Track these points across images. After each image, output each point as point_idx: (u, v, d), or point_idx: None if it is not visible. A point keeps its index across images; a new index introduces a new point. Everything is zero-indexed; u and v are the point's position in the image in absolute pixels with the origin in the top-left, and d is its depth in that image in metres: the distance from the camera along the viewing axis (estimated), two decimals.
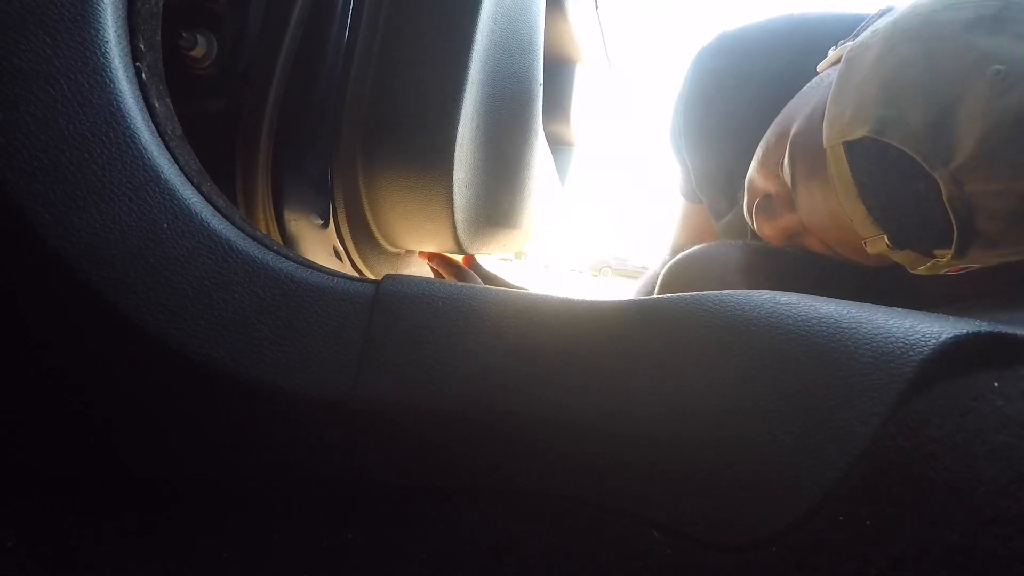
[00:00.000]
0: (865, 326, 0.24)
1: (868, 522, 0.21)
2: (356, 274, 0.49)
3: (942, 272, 0.42)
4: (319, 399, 0.26)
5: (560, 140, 0.98)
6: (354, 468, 0.28)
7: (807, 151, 0.46)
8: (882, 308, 0.26)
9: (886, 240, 0.42)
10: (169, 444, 0.28)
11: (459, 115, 0.47)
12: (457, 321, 0.27)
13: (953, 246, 0.39)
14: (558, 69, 0.93)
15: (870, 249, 0.43)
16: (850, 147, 0.41)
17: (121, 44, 0.26)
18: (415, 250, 0.65)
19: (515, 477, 0.26)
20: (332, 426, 0.27)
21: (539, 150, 0.69)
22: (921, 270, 0.42)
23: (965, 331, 0.23)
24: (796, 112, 0.50)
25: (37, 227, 0.24)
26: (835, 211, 0.44)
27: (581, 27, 0.89)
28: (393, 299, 0.28)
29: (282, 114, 0.45)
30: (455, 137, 0.47)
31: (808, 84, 0.51)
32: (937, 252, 0.40)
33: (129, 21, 0.27)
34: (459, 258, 0.72)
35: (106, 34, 0.25)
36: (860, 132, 0.40)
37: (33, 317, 0.26)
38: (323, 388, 0.26)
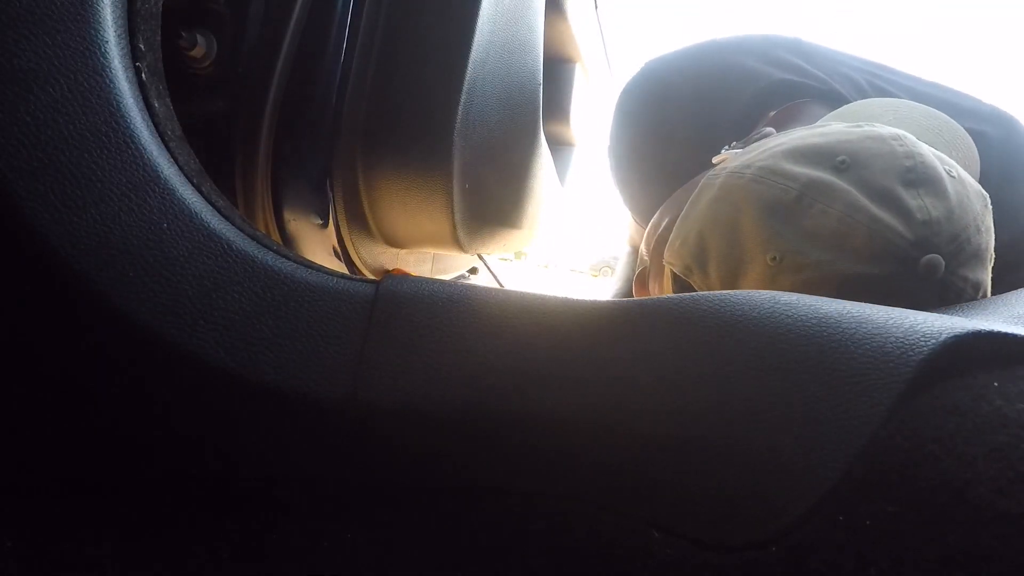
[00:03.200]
0: (865, 326, 0.24)
1: (868, 522, 0.21)
2: (356, 274, 0.49)
3: None
4: (319, 399, 0.26)
5: (559, 140, 0.98)
6: (354, 468, 0.28)
7: (658, 253, 0.53)
8: (882, 308, 0.26)
9: None
10: (169, 444, 0.28)
11: (458, 115, 0.47)
12: (457, 321, 0.27)
13: None
14: (558, 69, 0.93)
15: None
16: (673, 275, 0.48)
17: (121, 44, 0.26)
18: (415, 250, 0.65)
19: (515, 477, 0.26)
20: (332, 426, 0.27)
21: (539, 150, 0.69)
22: None
23: (965, 331, 0.23)
24: (670, 208, 0.56)
25: (37, 227, 0.24)
26: None
27: (580, 27, 0.89)
28: (393, 299, 0.28)
29: (282, 114, 0.45)
30: (455, 137, 0.47)
31: (695, 179, 0.56)
32: None
33: (129, 21, 0.27)
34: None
35: (106, 34, 0.25)
36: (676, 268, 0.47)
37: (33, 317, 0.26)
38: (323, 388, 0.26)
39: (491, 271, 0.79)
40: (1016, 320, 0.31)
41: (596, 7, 0.98)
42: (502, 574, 0.25)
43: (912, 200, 0.38)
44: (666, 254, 0.49)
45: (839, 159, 0.40)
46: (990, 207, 0.42)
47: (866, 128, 0.42)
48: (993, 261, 0.42)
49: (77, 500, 0.28)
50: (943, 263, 0.37)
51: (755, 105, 0.62)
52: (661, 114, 0.68)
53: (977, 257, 0.39)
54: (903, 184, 0.38)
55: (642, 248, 0.61)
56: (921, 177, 0.38)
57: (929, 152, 0.40)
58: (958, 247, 0.37)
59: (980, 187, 0.41)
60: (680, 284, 0.48)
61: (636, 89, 0.71)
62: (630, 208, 0.78)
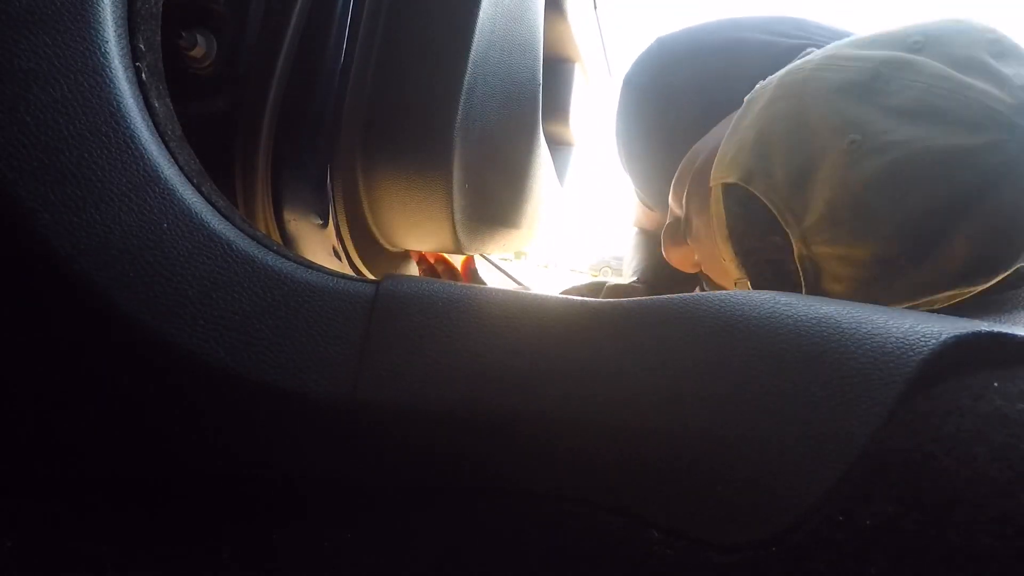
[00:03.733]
0: (865, 326, 0.24)
1: (868, 522, 0.21)
2: (356, 274, 0.49)
3: None
4: (319, 399, 0.26)
5: (559, 140, 0.98)
6: (354, 468, 0.28)
7: (701, 186, 0.48)
8: (882, 308, 0.26)
9: (748, 286, 0.45)
10: (169, 444, 0.28)
11: (458, 115, 0.47)
12: (457, 321, 0.27)
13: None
14: (557, 69, 0.93)
15: (739, 287, 0.45)
16: (726, 190, 0.43)
17: (121, 44, 0.26)
18: (415, 250, 0.65)
19: (515, 477, 0.26)
20: (332, 426, 0.27)
21: (538, 150, 0.69)
22: None
23: (965, 331, 0.23)
24: (706, 143, 0.52)
25: (37, 227, 0.24)
26: (715, 248, 0.47)
27: (580, 27, 0.89)
28: (393, 299, 0.28)
29: (282, 114, 0.45)
30: (454, 137, 0.47)
31: (729, 116, 0.52)
32: None
33: (129, 21, 0.27)
34: (458, 262, 0.72)
35: (106, 34, 0.25)
36: (732, 177, 0.42)
37: (32, 317, 0.26)
38: (323, 388, 0.26)
39: (503, 271, 0.78)
40: (1016, 320, 0.31)
41: (596, 7, 0.98)
42: (502, 574, 0.25)
43: (1005, 68, 0.35)
44: (715, 171, 0.44)
45: (913, 40, 0.37)
46: None
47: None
48: None
49: (77, 500, 0.28)
50: None
51: (773, 69, 0.60)
52: (671, 89, 0.65)
53: None
54: (991, 55, 0.35)
55: (671, 199, 0.56)
56: (1009, 49, 0.36)
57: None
58: None
59: None
60: (735, 199, 0.43)
61: (646, 64, 0.68)
62: (638, 185, 0.75)
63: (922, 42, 0.36)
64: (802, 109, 0.38)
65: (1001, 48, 0.36)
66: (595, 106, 1.09)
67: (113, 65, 0.25)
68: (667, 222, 0.58)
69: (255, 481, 0.28)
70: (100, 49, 0.25)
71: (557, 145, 0.98)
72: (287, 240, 0.50)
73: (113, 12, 0.26)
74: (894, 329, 0.24)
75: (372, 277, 0.53)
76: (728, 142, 0.44)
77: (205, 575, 0.26)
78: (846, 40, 0.41)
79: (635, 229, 0.95)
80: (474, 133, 0.50)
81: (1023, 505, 0.19)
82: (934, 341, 0.23)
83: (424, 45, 0.48)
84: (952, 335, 0.23)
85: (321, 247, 0.52)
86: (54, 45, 0.24)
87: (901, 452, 0.21)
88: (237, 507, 0.28)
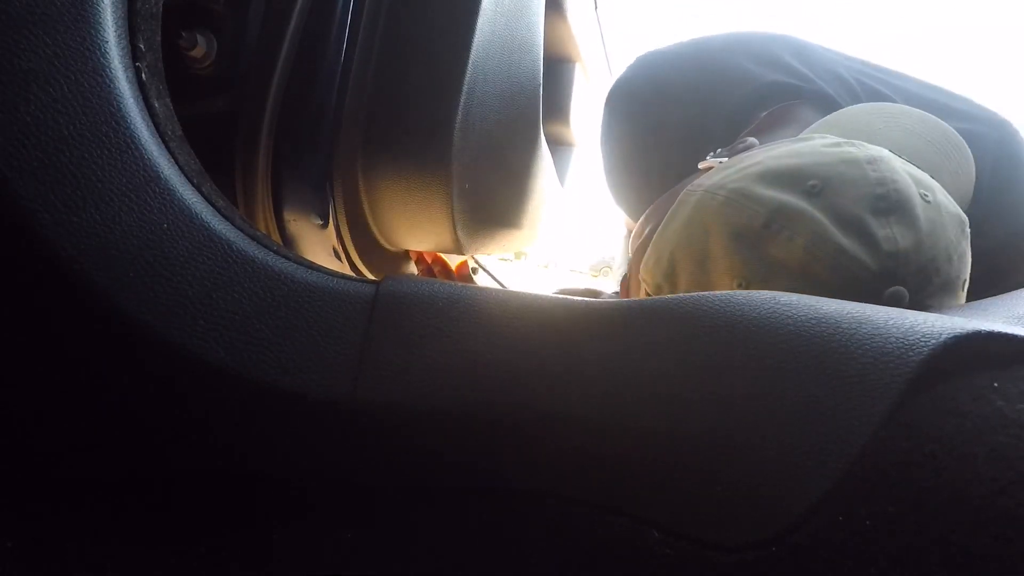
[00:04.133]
0: (865, 326, 0.24)
1: (868, 522, 0.21)
2: (356, 274, 0.49)
3: None
4: (319, 399, 0.26)
5: (559, 140, 0.98)
6: (354, 468, 0.28)
7: (637, 264, 0.53)
8: (881, 308, 0.26)
9: None
10: (169, 444, 0.28)
11: (458, 115, 0.47)
12: (457, 321, 0.27)
13: None
14: (558, 69, 0.93)
15: None
16: (647, 293, 0.48)
17: (121, 44, 0.26)
18: (415, 250, 0.65)
19: (515, 477, 0.26)
20: (332, 426, 0.27)
21: (538, 150, 0.69)
22: None
23: (965, 331, 0.23)
24: (653, 215, 0.56)
25: (37, 227, 0.24)
26: None
27: (580, 27, 0.89)
28: (393, 299, 0.28)
29: (282, 114, 0.45)
30: (454, 137, 0.47)
31: (678, 185, 0.56)
32: None
33: (129, 21, 0.27)
34: (454, 264, 0.72)
35: (106, 34, 0.25)
36: (647, 286, 0.47)
37: (33, 317, 0.26)
38: (323, 388, 0.26)
39: (488, 272, 0.78)
40: (1016, 320, 0.31)
41: (596, 7, 0.98)
42: (502, 574, 0.25)
43: (880, 230, 0.37)
44: (641, 271, 0.49)
45: (811, 183, 0.39)
46: (968, 232, 0.41)
47: (844, 148, 0.41)
48: (974, 279, 0.42)
49: (77, 500, 0.28)
50: (907, 295, 0.36)
51: (746, 106, 0.61)
52: (651, 113, 0.67)
53: (946, 288, 0.38)
54: (872, 212, 0.38)
55: (625, 254, 0.62)
56: (892, 205, 0.38)
57: (905, 176, 0.39)
58: (925, 278, 0.37)
59: (959, 210, 0.41)
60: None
61: (627, 85, 0.70)
62: (619, 205, 0.78)
63: (819, 187, 0.39)
64: (706, 242, 0.42)
65: (885, 205, 0.38)
66: (596, 106, 1.09)
67: (113, 65, 0.25)
68: (620, 273, 0.62)
69: (255, 481, 0.28)
70: (100, 49, 0.25)
71: (557, 145, 0.98)
72: (287, 240, 0.50)
73: (113, 12, 0.26)
74: (894, 329, 0.24)
75: (372, 277, 0.53)
76: (654, 246, 0.48)
77: (205, 575, 0.26)
78: (761, 167, 0.43)
79: (625, 231, 0.96)
80: (474, 133, 0.50)
81: (1023, 505, 0.19)
82: (934, 341, 0.23)
83: (424, 45, 0.48)
84: (952, 335, 0.23)
85: (321, 247, 0.52)
86: (54, 45, 0.24)
87: (901, 452, 0.21)
88: (237, 507, 0.28)
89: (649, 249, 0.49)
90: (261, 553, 0.27)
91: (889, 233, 0.37)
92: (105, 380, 0.27)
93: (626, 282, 0.60)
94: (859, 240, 0.37)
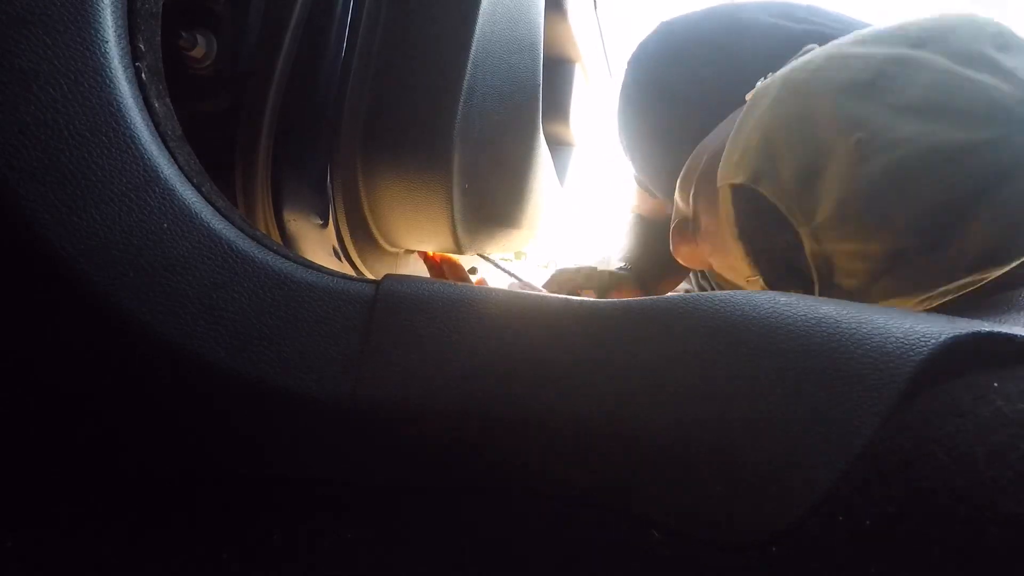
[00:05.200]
0: (865, 326, 0.24)
1: (868, 522, 0.21)
2: (356, 274, 0.49)
3: None
4: (319, 399, 0.26)
5: (559, 140, 0.98)
6: (354, 468, 0.28)
7: (707, 186, 0.48)
8: (882, 308, 0.26)
9: (761, 283, 0.44)
10: (169, 444, 0.28)
11: (458, 115, 0.47)
12: (457, 321, 0.27)
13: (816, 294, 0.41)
14: (557, 69, 0.93)
15: (752, 287, 0.45)
16: (735, 190, 0.43)
17: (121, 44, 0.26)
18: (415, 250, 0.65)
19: (515, 477, 0.26)
20: (332, 426, 0.27)
21: (538, 150, 0.69)
22: None
23: (965, 331, 0.23)
24: (711, 142, 0.51)
25: (37, 227, 0.24)
26: (726, 247, 0.47)
27: (580, 27, 0.89)
28: (393, 299, 0.28)
29: (282, 114, 0.45)
30: (454, 137, 0.47)
31: (733, 113, 0.52)
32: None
33: (129, 21, 0.27)
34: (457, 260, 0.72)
35: (106, 34, 0.25)
36: (740, 179, 0.42)
37: (33, 317, 0.26)
38: (323, 388, 0.26)
39: (502, 268, 0.78)
40: (1017, 320, 0.31)
41: (596, 7, 0.98)
42: (502, 574, 0.25)
43: (1008, 61, 0.35)
44: (722, 172, 0.44)
45: (915, 36, 0.37)
46: None
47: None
48: None
49: (77, 500, 0.28)
50: None
51: (783, 53, 0.56)
52: (676, 74, 0.63)
53: None
54: (995, 48, 0.35)
55: (677, 197, 0.56)
56: (1011, 42, 0.35)
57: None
58: None
59: None
60: (744, 198, 0.42)
61: (650, 48, 0.66)
62: (640, 171, 0.74)
63: (924, 38, 0.36)
64: (807, 109, 0.38)
65: (1004, 41, 0.36)
66: (595, 106, 1.09)
67: (113, 65, 0.25)
68: (674, 220, 0.57)
69: (255, 481, 0.28)
70: (100, 49, 0.25)
71: (557, 145, 0.98)
72: (287, 240, 0.50)
73: (113, 12, 0.26)
74: (894, 329, 0.24)
75: (372, 277, 0.53)
76: (733, 143, 0.44)
77: (205, 574, 0.26)
78: (848, 37, 0.41)
79: (632, 215, 0.94)
80: (474, 133, 0.50)
81: (1023, 505, 0.19)
82: (934, 341, 0.23)
83: (424, 45, 0.48)
84: (952, 335, 0.23)
85: (321, 247, 0.52)
86: (54, 45, 0.24)
87: (901, 452, 0.21)
88: (237, 507, 0.28)
89: (727, 149, 0.44)
90: (261, 553, 0.27)
91: (1020, 64, 0.35)
92: (105, 380, 0.27)
93: (683, 226, 0.55)
94: (990, 72, 0.35)
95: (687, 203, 0.54)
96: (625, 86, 0.69)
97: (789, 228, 0.40)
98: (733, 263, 0.47)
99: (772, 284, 0.44)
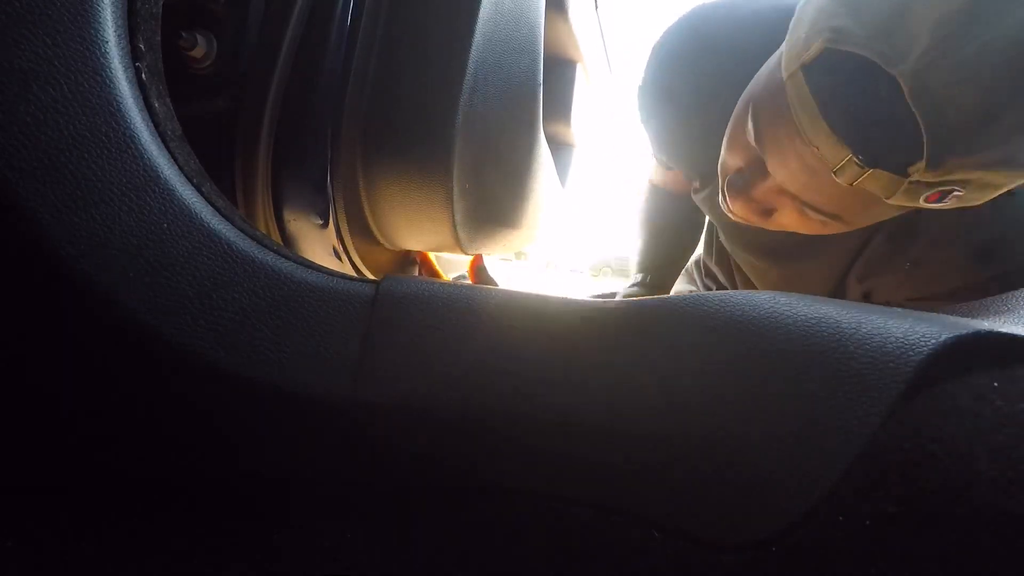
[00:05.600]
0: (865, 326, 0.24)
1: (868, 522, 0.21)
2: (356, 274, 0.49)
3: (922, 201, 0.40)
4: (319, 399, 0.26)
5: (560, 140, 0.98)
6: (354, 467, 0.28)
7: (767, 99, 0.46)
8: (881, 308, 0.26)
9: (855, 160, 0.40)
10: (169, 444, 0.28)
11: (458, 115, 0.47)
12: (457, 321, 0.27)
13: (925, 150, 0.37)
14: (558, 69, 0.93)
15: (842, 179, 0.41)
16: (807, 69, 0.40)
17: (121, 44, 0.26)
18: (415, 250, 0.65)
19: (515, 477, 0.26)
20: (331, 425, 0.27)
21: (539, 150, 0.69)
22: (899, 198, 0.40)
23: (965, 331, 0.23)
24: (755, 85, 0.50)
25: (37, 227, 0.24)
26: (801, 153, 0.43)
27: (581, 27, 0.89)
28: (393, 299, 0.28)
29: (282, 114, 0.45)
30: (455, 137, 0.47)
31: (768, 60, 0.50)
32: (911, 169, 0.39)
33: (129, 21, 0.27)
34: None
35: (106, 34, 0.25)
36: (816, 47, 0.39)
37: (33, 317, 0.26)
38: (323, 388, 0.26)
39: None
40: (1017, 320, 0.31)
41: (597, 7, 0.98)
42: (502, 574, 0.25)
43: None
44: (789, 60, 0.41)
45: None
46: None
47: None
48: None
49: (77, 500, 0.28)
50: None
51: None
52: (706, 56, 0.62)
53: None
54: None
55: (727, 156, 0.53)
56: None
57: None
58: None
59: None
60: (820, 72, 0.39)
61: (682, 30, 0.65)
62: (660, 148, 0.72)
63: None
64: None
65: None
66: (596, 106, 1.09)
67: (113, 65, 0.25)
68: (723, 180, 0.55)
69: (255, 481, 0.28)
70: (100, 49, 0.25)
71: (558, 145, 0.98)
72: (287, 240, 0.50)
73: (113, 12, 0.26)
74: (894, 329, 0.24)
75: (372, 277, 0.53)
76: (795, 30, 0.41)
77: (205, 574, 0.26)
78: None
79: (648, 186, 0.92)
80: (475, 133, 0.50)
81: (1023, 505, 0.19)
82: (934, 341, 0.23)
83: (424, 45, 0.48)
84: (952, 335, 0.23)
85: (321, 247, 0.52)
86: (54, 45, 0.24)
87: (901, 452, 0.21)
88: (237, 507, 0.28)
89: (790, 36, 0.42)
90: (261, 553, 0.27)
91: None
92: (104, 380, 0.27)
93: (739, 176, 0.52)
94: None
95: (740, 150, 0.51)
96: (651, 60, 0.67)
97: (881, 78, 0.37)
98: (813, 163, 0.43)
99: (869, 157, 0.40)
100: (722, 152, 0.55)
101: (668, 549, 0.23)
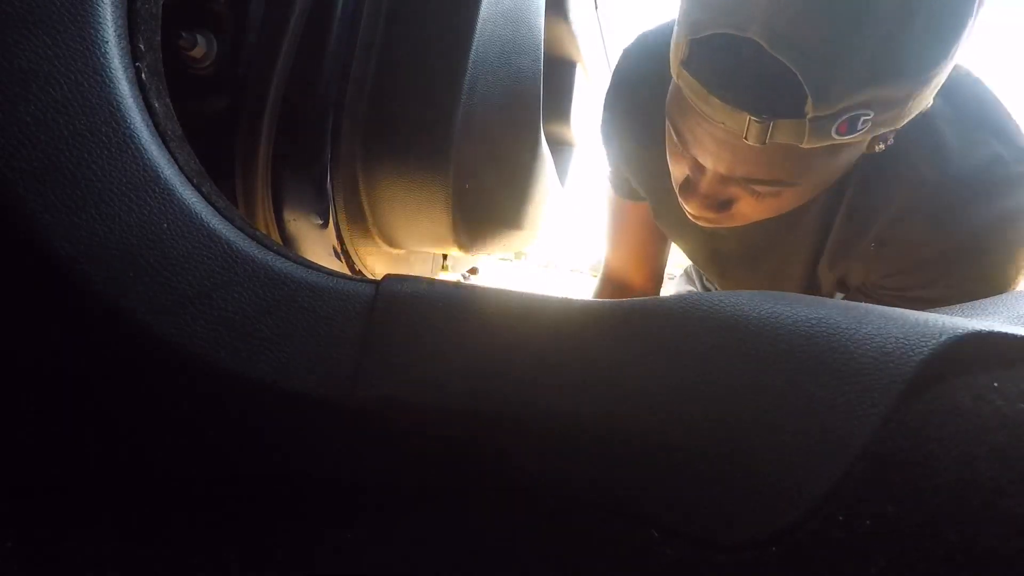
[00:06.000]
0: (865, 327, 0.24)
1: (868, 522, 0.21)
2: (356, 274, 0.49)
3: (835, 135, 0.43)
4: (319, 398, 0.26)
5: (560, 140, 0.98)
6: (353, 467, 0.28)
7: (673, 104, 0.51)
8: (882, 308, 0.26)
9: (755, 120, 0.44)
10: (169, 444, 0.28)
11: (458, 115, 0.47)
12: (456, 321, 0.27)
13: (806, 88, 0.40)
14: (558, 69, 0.93)
15: (753, 140, 0.45)
16: (686, 63, 0.45)
17: (121, 44, 0.26)
18: (414, 249, 0.65)
19: (514, 477, 0.26)
20: (331, 425, 0.27)
21: (539, 150, 0.69)
22: (812, 139, 0.43)
23: (965, 331, 0.23)
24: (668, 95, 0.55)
25: (37, 227, 0.24)
26: (714, 134, 0.47)
27: (581, 27, 0.89)
28: (392, 299, 0.28)
29: (282, 114, 0.45)
30: (454, 137, 0.47)
31: None
32: (805, 109, 0.42)
33: (129, 21, 0.27)
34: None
35: (106, 34, 0.25)
36: (684, 44, 0.44)
37: (33, 317, 0.26)
38: (323, 387, 0.26)
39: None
40: (1016, 320, 0.31)
41: (597, 7, 0.98)
42: (502, 574, 0.25)
43: None
44: (674, 60, 0.46)
45: None
46: None
47: None
48: None
49: (77, 500, 0.28)
50: None
51: None
52: (627, 91, 0.68)
53: None
54: None
55: (672, 163, 0.57)
56: None
57: None
58: None
59: None
60: (694, 59, 0.45)
61: (616, 71, 0.71)
62: (624, 178, 0.78)
63: None
64: None
65: None
66: (597, 107, 1.09)
67: (113, 65, 0.25)
68: (679, 182, 0.59)
69: (254, 481, 0.28)
70: (100, 49, 0.25)
71: (558, 145, 0.98)
72: (287, 240, 0.50)
73: (113, 12, 0.26)
74: (894, 329, 0.24)
75: (372, 277, 0.53)
76: (673, 39, 0.46)
77: (204, 574, 0.26)
78: None
79: (600, 282, 0.94)
80: (475, 133, 0.50)
81: (1023, 505, 0.19)
82: (934, 341, 0.23)
83: (424, 45, 0.48)
84: (952, 335, 0.23)
85: (321, 247, 0.52)
86: (54, 45, 0.24)
87: (901, 452, 0.21)
88: (236, 507, 0.28)
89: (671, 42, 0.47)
90: (261, 553, 0.27)
91: None
92: (104, 380, 0.27)
93: (686, 180, 0.56)
94: None
95: (676, 157, 0.55)
96: (609, 93, 0.72)
97: (743, 43, 0.41)
98: (727, 138, 0.47)
99: (763, 110, 0.43)
100: (670, 169, 0.58)
101: (668, 549, 0.23)
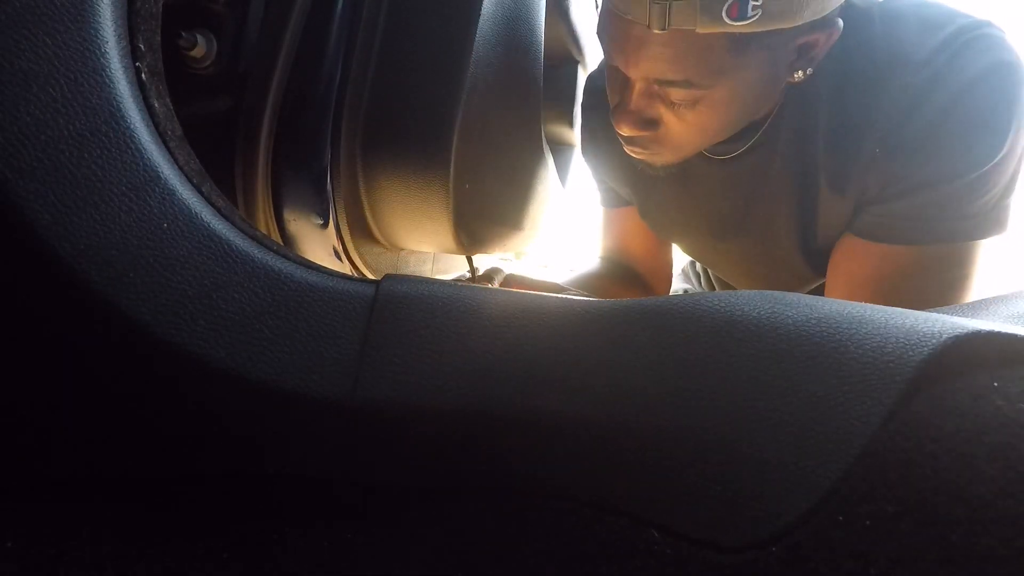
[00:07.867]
0: (865, 326, 0.24)
1: (868, 522, 0.21)
2: (356, 274, 0.49)
3: (726, 18, 0.45)
4: (319, 399, 0.26)
5: (560, 140, 0.98)
6: (354, 468, 0.28)
7: (600, 18, 0.54)
8: (881, 308, 0.26)
9: (653, 2, 0.47)
10: (169, 444, 0.28)
11: (458, 115, 0.47)
12: (457, 321, 0.27)
13: None
14: (559, 69, 0.93)
15: (657, 26, 0.48)
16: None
17: (121, 44, 0.26)
18: (414, 250, 0.65)
19: (515, 477, 0.26)
20: (332, 426, 0.27)
21: (539, 150, 0.69)
22: (705, 24, 0.46)
23: (965, 331, 0.23)
24: None
25: (37, 227, 0.24)
26: (628, 31, 0.50)
27: (581, 27, 0.89)
28: (393, 299, 0.28)
29: (282, 114, 0.45)
30: (454, 137, 0.47)
31: None
32: None
33: (129, 21, 0.27)
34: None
35: (106, 34, 0.25)
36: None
37: (33, 317, 0.26)
38: (323, 388, 0.26)
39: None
40: (1016, 320, 0.31)
41: (597, 7, 0.98)
42: (502, 574, 0.25)
43: None
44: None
45: None
46: None
47: None
48: None
49: (77, 500, 0.28)
50: None
51: None
52: (589, 99, 0.71)
53: None
54: None
55: (609, 91, 0.61)
56: None
57: None
58: None
59: None
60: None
61: (594, 74, 0.75)
62: (606, 184, 0.82)
63: None
64: None
65: None
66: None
67: (113, 65, 0.25)
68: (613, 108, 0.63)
69: (255, 481, 0.28)
70: (100, 49, 0.25)
71: (558, 146, 0.98)
72: (287, 240, 0.50)
73: (113, 12, 0.26)
74: (894, 329, 0.24)
75: (372, 277, 0.53)
76: None
77: (204, 574, 0.26)
78: None
79: (600, 259, 0.95)
80: (475, 133, 0.50)
81: (1023, 505, 0.19)
82: (934, 341, 0.23)
83: (425, 45, 0.48)
84: (952, 335, 0.23)
85: (321, 247, 0.52)
86: (54, 45, 0.24)
87: (901, 452, 0.21)
88: (237, 507, 0.28)
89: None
90: (261, 553, 0.27)
91: None
92: (104, 380, 0.27)
93: (618, 104, 0.59)
94: None
95: (611, 80, 0.57)
96: (584, 100, 0.77)
97: None
98: (639, 33, 0.50)
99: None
100: (608, 97, 0.61)
101: (668, 549, 0.23)
